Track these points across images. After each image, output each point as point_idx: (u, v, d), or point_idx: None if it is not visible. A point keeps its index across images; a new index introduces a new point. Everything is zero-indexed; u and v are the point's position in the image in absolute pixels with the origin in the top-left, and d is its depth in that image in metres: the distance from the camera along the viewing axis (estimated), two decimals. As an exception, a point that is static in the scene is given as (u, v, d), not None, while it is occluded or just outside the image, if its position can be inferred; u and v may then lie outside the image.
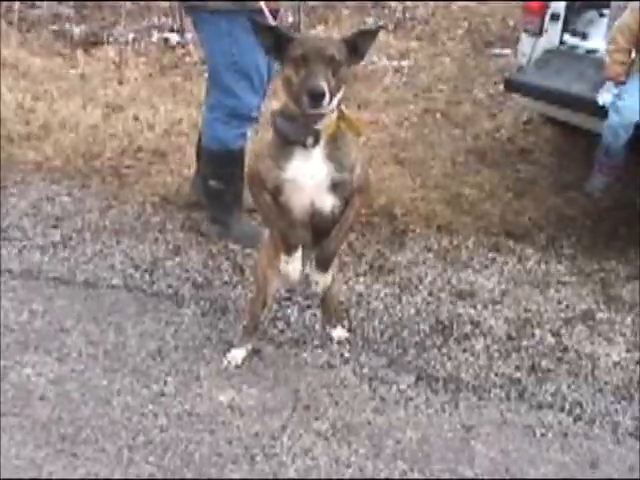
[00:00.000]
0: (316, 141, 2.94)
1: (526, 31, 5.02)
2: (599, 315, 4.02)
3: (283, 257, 3.19)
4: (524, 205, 4.88)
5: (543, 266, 4.38)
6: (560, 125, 5.46)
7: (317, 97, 2.73)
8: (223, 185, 4.26)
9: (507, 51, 6.94)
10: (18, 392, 3.39)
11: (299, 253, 3.18)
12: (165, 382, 3.47)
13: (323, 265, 3.20)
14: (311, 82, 2.74)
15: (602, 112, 4.34)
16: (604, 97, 4.36)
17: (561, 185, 5.11)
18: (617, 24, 4.39)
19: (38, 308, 3.88)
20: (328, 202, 3.09)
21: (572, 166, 5.28)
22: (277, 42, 2.91)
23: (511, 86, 4.89)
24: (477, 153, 5.45)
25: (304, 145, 2.95)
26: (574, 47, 4.94)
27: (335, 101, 2.88)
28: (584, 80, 4.60)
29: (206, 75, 5.44)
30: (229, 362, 3.57)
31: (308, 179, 3.00)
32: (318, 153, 2.97)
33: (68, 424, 3.25)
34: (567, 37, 4.98)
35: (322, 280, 3.26)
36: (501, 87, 5.71)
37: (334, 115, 2.95)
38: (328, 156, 2.98)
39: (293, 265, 3.19)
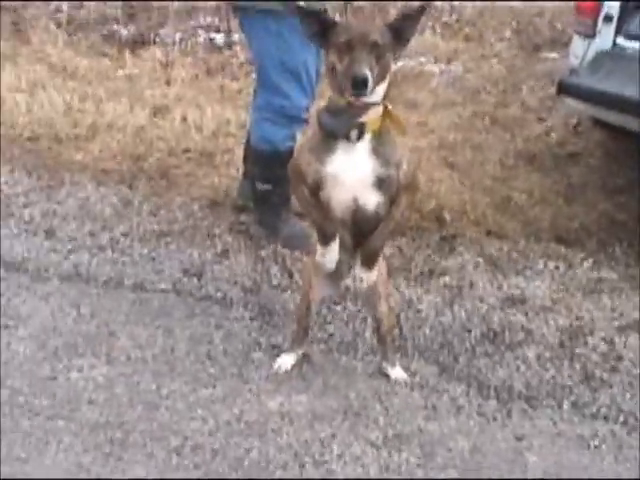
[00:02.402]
0: (360, 134, 2.88)
1: (578, 33, 4.94)
2: (653, 323, 3.94)
3: (319, 248, 3.14)
4: (574, 210, 4.82)
5: (595, 272, 4.30)
6: (611, 129, 5.37)
7: (360, 83, 2.67)
8: (271, 187, 4.24)
9: (555, 54, 6.86)
10: (67, 395, 3.38)
11: (335, 245, 3.12)
12: (214, 387, 3.43)
13: (367, 263, 3.14)
14: (354, 68, 2.69)
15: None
16: (658, 101, 4.28)
17: (612, 189, 5.03)
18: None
19: (86, 311, 3.88)
20: (372, 199, 3.02)
21: (622, 170, 5.22)
22: (321, 29, 2.86)
23: (564, 89, 4.80)
24: (527, 157, 5.39)
25: (348, 138, 2.89)
26: (628, 49, 4.84)
27: (380, 91, 2.83)
28: (638, 83, 4.50)
29: (253, 76, 5.45)
30: (279, 367, 3.54)
31: (351, 174, 2.94)
32: (363, 147, 2.90)
33: (116, 428, 3.22)
34: (620, 39, 4.88)
35: (366, 277, 3.19)
36: (550, 90, 5.65)
37: (380, 109, 2.89)
38: (373, 151, 2.91)
39: (329, 256, 3.14)
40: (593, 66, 4.74)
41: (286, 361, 3.55)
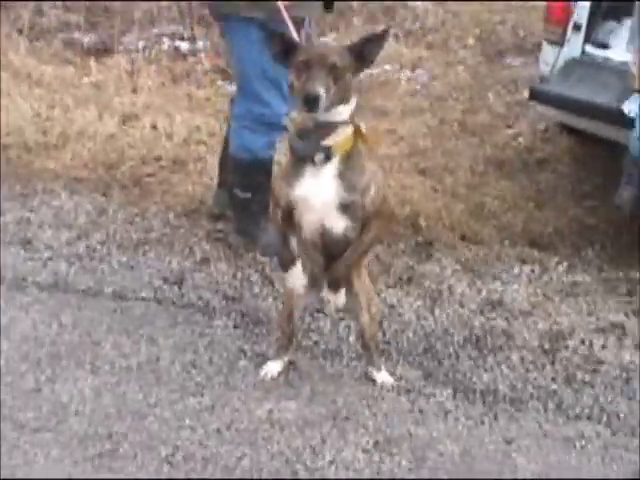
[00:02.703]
0: (327, 158, 2.91)
1: (548, 41, 5.02)
2: (629, 325, 4.01)
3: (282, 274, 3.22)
4: (546, 215, 4.88)
5: (570, 276, 4.37)
6: (578, 135, 5.47)
7: (312, 100, 2.73)
8: (250, 195, 4.24)
9: (519, 61, 6.95)
10: (52, 407, 3.33)
11: (296, 270, 3.17)
12: (202, 395, 3.42)
13: (333, 286, 3.18)
14: (307, 85, 2.76)
15: (628, 122, 4.33)
16: (630, 107, 4.36)
17: (581, 194, 5.12)
18: (643, 35, 4.40)
19: (67, 321, 3.84)
20: (339, 223, 3.05)
21: (591, 176, 5.30)
22: (285, 49, 2.94)
23: (535, 96, 4.89)
24: (496, 163, 5.46)
25: (314, 162, 2.92)
26: (596, 57, 4.94)
27: (346, 112, 2.88)
28: (609, 90, 4.60)
29: (219, 84, 5.43)
30: (265, 374, 3.53)
31: (317, 198, 2.97)
32: (329, 171, 2.93)
33: (105, 439, 3.18)
34: (589, 47, 4.97)
35: (333, 300, 3.25)
36: (517, 96, 5.74)
37: (348, 130, 2.93)
38: (339, 175, 2.94)
39: (292, 281, 3.21)
40: (564, 73, 4.83)
41: (272, 368, 3.55)
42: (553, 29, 4.95)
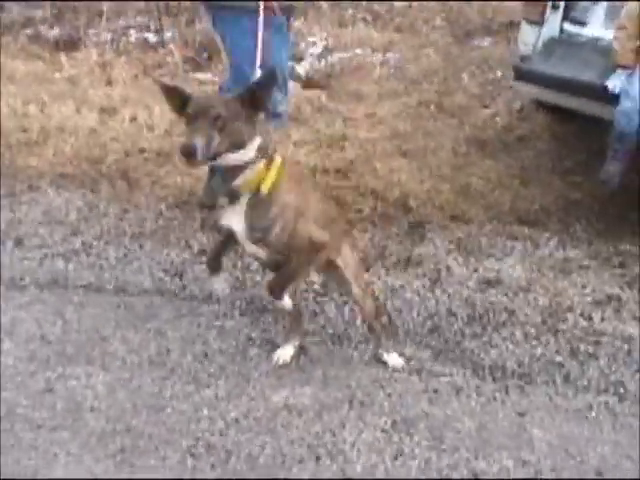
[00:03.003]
0: (234, 198, 2.99)
1: (527, 20, 5.07)
2: (624, 296, 4.08)
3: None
4: (531, 192, 4.95)
5: (561, 251, 4.44)
6: (556, 112, 5.53)
7: (186, 152, 2.76)
8: None
9: (487, 41, 7.01)
10: (67, 404, 3.32)
11: (217, 280, 3.30)
12: (217, 386, 3.43)
13: (273, 295, 3.22)
14: (185, 138, 2.80)
15: (612, 99, 4.40)
16: (614, 83, 4.43)
17: (563, 170, 5.19)
18: (625, 11, 4.46)
19: (72, 318, 3.82)
20: (260, 252, 3.15)
21: (570, 152, 5.38)
22: (181, 101, 2.94)
23: (519, 75, 4.94)
24: (477, 142, 5.51)
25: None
26: (575, 35, 5.00)
27: (251, 152, 2.92)
28: (591, 67, 4.67)
29: (190, 75, 5.44)
30: (278, 359, 3.56)
31: (236, 229, 3.06)
32: (240, 208, 3.01)
33: (124, 434, 3.18)
34: (567, 25, 5.03)
35: (280, 305, 3.28)
36: (489, 76, 5.79)
37: (257, 166, 2.96)
38: (247, 213, 3.01)
39: (215, 286, 3.35)
40: (545, 52, 4.88)
41: (285, 353, 3.59)
42: (532, 9, 5.00)
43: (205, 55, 6.66)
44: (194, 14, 7.10)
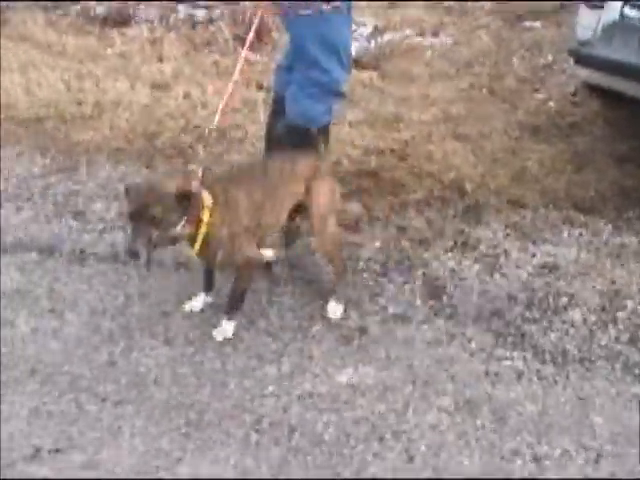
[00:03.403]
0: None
1: (586, 4, 5.01)
2: (684, 285, 4.06)
3: None
4: (586, 178, 4.90)
5: (617, 238, 4.39)
6: (610, 97, 5.48)
7: (131, 256, 3.15)
8: None
9: (538, 23, 6.95)
10: (131, 378, 3.37)
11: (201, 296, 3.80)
12: (280, 362, 3.46)
13: (230, 313, 3.64)
14: (129, 243, 3.17)
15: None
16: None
17: (618, 157, 5.12)
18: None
19: (133, 292, 3.85)
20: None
21: (625, 138, 5.31)
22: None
23: (580, 60, 4.90)
24: (530, 127, 5.46)
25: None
26: (635, 19, 4.94)
27: (179, 229, 3.23)
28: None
29: (242, 53, 5.42)
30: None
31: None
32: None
33: (188, 408, 3.23)
34: (627, 9, 4.97)
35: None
36: (541, 60, 5.75)
37: (186, 234, 3.31)
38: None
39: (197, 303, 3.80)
40: (606, 37, 4.82)
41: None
42: (593, -9, 4.95)
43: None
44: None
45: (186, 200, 3.18)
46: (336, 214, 3.74)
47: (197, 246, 3.35)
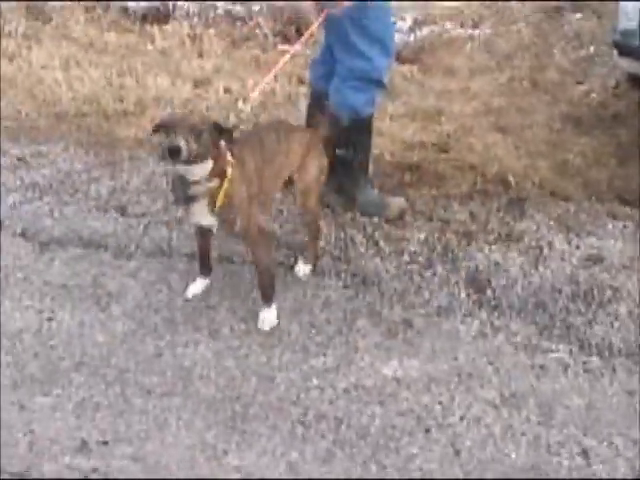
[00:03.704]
0: (190, 200, 3.37)
1: (628, -6, 4.97)
2: None
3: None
4: (629, 171, 4.84)
5: (662, 232, 4.36)
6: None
7: (172, 153, 3.13)
8: (350, 153, 4.24)
9: (579, 15, 6.90)
10: (176, 371, 3.38)
11: (203, 280, 3.88)
12: (325, 355, 3.46)
13: (265, 300, 3.68)
14: (169, 141, 3.16)
15: None
16: None
17: (662, 151, 5.08)
18: None
19: (177, 285, 3.87)
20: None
21: (670, 132, 5.26)
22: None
23: (622, 50, 4.85)
24: (572, 119, 5.42)
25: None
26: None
27: (207, 166, 3.27)
28: None
29: (279, 47, 5.44)
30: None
31: (205, 224, 3.55)
32: (202, 209, 3.40)
33: (234, 402, 3.24)
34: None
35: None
36: (582, 52, 5.71)
37: (212, 185, 3.33)
38: (212, 213, 3.41)
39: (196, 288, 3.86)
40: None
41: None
42: (635, -18, 4.90)
43: (293, 28, 6.63)
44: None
45: (218, 135, 3.29)
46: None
47: (219, 202, 3.36)
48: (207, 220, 3.45)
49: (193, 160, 3.19)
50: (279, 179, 3.77)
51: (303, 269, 3.96)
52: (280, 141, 3.69)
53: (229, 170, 3.35)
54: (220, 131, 3.29)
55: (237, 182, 3.39)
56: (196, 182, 3.30)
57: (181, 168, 3.25)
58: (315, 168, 3.81)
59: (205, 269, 3.85)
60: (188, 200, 3.37)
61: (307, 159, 3.77)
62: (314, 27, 4.03)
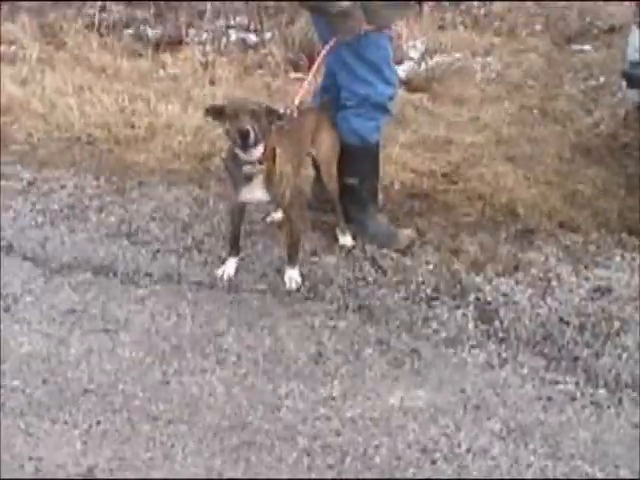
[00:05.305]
0: (247, 179, 3.73)
1: (638, 25, 4.99)
2: None
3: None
4: (639, 202, 4.84)
5: (671, 264, 4.35)
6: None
7: (243, 136, 3.45)
8: (359, 181, 4.26)
9: (588, 46, 6.93)
10: (183, 399, 3.39)
11: (234, 259, 4.17)
12: (332, 385, 3.46)
13: (290, 261, 4.09)
14: (239, 125, 3.46)
15: None
16: None
17: (671, 182, 5.07)
18: None
19: (186, 313, 3.89)
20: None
21: (677, 162, 5.26)
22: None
23: (631, 81, 4.87)
24: (582, 149, 5.43)
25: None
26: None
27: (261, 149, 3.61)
28: None
29: (292, 75, 5.46)
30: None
31: (253, 200, 3.93)
32: (254, 187, 3.78)
33: (240, 430, 3.23)
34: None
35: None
36: (592, 83, 5.72)
37: (265, 164, 3.70)
38: (264, 189, 3.81)
39: (230, 267, 4.15)
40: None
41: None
42: (644, 13, 4.93)
43: (303, 56, 6.67)
44: (293, 15, 7.14)
45: (271, 117, 3.59)
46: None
47: (274, 178, 3.76)
48: (260, 196, 3.83)
49: (255, 142, 3.51)
50: (303, 153, 4.14)
51: (344, 240, 4.36)
52: (300, 121, 4.00)
53: (277, 150, 3.73)
54: (271, 114, 3.58)
55: (283, 160, 3.78)
56: (251, 162, 3.63)
57: (242, 150, 3.58)
58: (330, 139, 4.20)
59: (235, 250, 4.16)
60: (245, 180, 3.71)
61: (322, 134, 4.17)
62: (323, 54, 4.07)
